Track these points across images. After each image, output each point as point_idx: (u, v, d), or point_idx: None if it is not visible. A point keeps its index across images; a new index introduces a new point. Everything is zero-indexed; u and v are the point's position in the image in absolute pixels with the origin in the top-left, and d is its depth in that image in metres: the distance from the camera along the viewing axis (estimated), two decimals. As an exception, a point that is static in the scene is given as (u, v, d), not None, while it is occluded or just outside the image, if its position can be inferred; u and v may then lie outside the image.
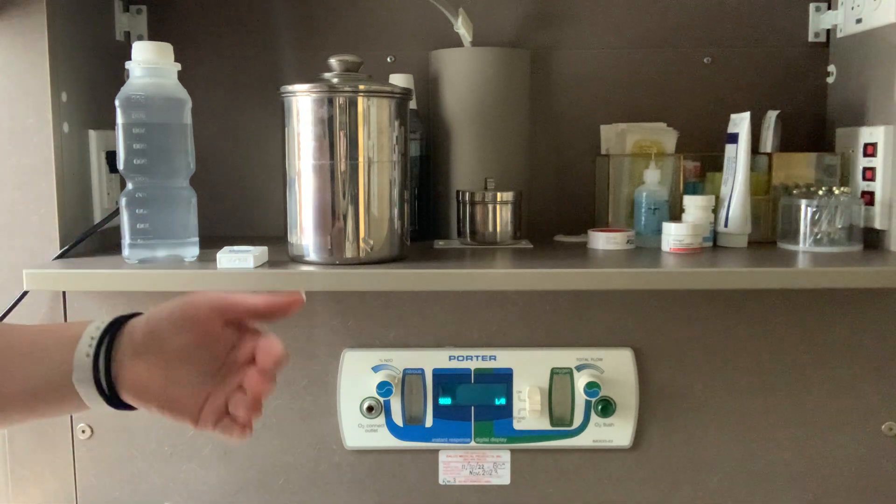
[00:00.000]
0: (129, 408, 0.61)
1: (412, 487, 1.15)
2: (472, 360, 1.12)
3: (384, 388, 1.09)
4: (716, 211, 1.04)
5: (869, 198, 1.02)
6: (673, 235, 0.99)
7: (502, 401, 1.12)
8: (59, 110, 0.99)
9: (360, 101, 0.90)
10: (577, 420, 1.12)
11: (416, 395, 1.12)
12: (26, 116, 0.98)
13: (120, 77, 0.98)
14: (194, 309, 0.60)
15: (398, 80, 1.09)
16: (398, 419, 1.12)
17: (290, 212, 0.94)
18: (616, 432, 1.12)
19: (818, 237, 1.00)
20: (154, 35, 1.15)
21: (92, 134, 1.07)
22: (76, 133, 1.03)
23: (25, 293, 0.99)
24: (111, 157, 1.08)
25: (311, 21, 1.16)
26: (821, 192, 1.00)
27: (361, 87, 0.91)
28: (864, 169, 1.03)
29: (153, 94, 0.92)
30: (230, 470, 1.14)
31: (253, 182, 1.18)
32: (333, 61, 0.93)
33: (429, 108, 1.13)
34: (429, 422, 1.12)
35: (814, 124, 1.16)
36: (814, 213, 1.00)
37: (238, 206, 1.19)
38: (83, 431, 1.12)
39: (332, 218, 0.91)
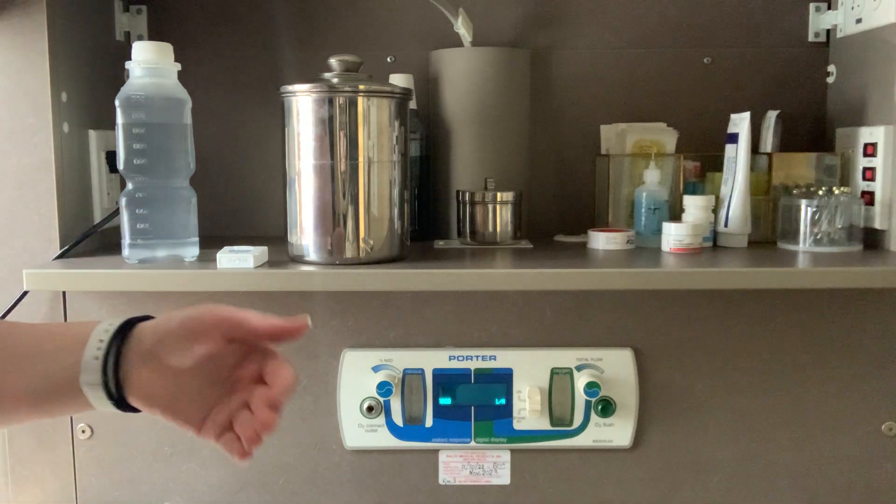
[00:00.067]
0: (135, 410, 0.61)
1: (412, 487, 1.15)
2: (472, 360, 1.12)
3: (384, 388, 1.09)
4: (716, 211, 1.04)
5: (869, 198, 1.02)
6: (673, 235, 0.99)
7: (502, 401, 1.12)
8: (59, 110, 0.99)
9: (360, 101, 0.90)
10: (577, 420, 1.12)
11: (416, 395, 1.12)
12: (26, 116, 0.98)
13: (120, 77, 0.98)
14: (201, 324, 0.60)
15: (398, 80, 1.09)
16: (398, 419, 1.12)
17: (290, 212, 0.94)
18: (616, 432, 1.12)
19: (818, 237, 1.00)
20: (154, 35, 1.15)
21: (92, 134, 1.07)
22: (76, 133, 1.03)
23: (25, 293, 0.99)
24: (111, 157, 1.08)
25: (311, 21, 1.16)
26: (821, 192, 1.00)
27: (361, 87, 0.91)
28: (864, 169, 1.03)
29: (153, 94, 0.92)
30: (230, 470, 1.14)
31: (253, 182, 1.18)
32: (333, 61, 0.93)
33: (429, 108, 1.13)
34: (429, 422, 1.12)
35: (814, 124, 1.16)
36: (814, 213, 1.00)
37: (238, 206, 1.19)
38: (83, 431, 1.12)
39: (332, 218, 0.91)
